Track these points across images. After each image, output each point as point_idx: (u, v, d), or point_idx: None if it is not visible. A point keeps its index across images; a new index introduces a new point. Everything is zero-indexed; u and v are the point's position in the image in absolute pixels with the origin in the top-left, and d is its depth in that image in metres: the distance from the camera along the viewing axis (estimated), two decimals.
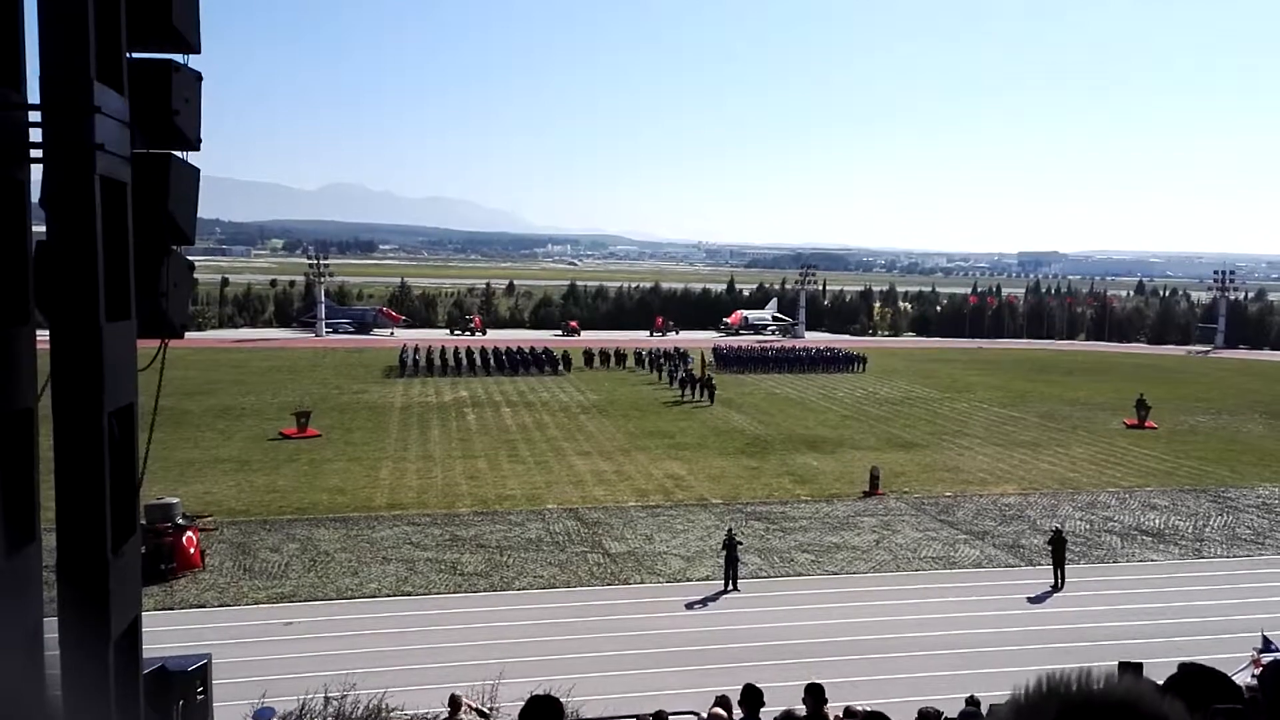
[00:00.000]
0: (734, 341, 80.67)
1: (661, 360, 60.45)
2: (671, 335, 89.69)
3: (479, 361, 61.39)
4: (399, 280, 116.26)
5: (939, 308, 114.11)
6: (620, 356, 65.02)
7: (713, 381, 50.73)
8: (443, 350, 62.93)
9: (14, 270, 4.71)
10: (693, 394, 50.16)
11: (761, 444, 38.85)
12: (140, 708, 5.40)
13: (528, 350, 63.64)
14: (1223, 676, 2.82)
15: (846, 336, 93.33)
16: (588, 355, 64.62)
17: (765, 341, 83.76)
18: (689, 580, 22.60)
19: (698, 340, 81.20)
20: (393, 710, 13.75)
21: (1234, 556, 25.19)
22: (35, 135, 4.67)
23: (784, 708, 9.86)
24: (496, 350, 63.50)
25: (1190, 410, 49.61)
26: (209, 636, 17.59)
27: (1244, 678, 12.74)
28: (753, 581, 22.51)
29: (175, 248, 5.69)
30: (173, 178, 5.46)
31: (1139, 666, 11.78)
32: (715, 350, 68.00)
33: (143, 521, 13.64)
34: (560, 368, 60.74)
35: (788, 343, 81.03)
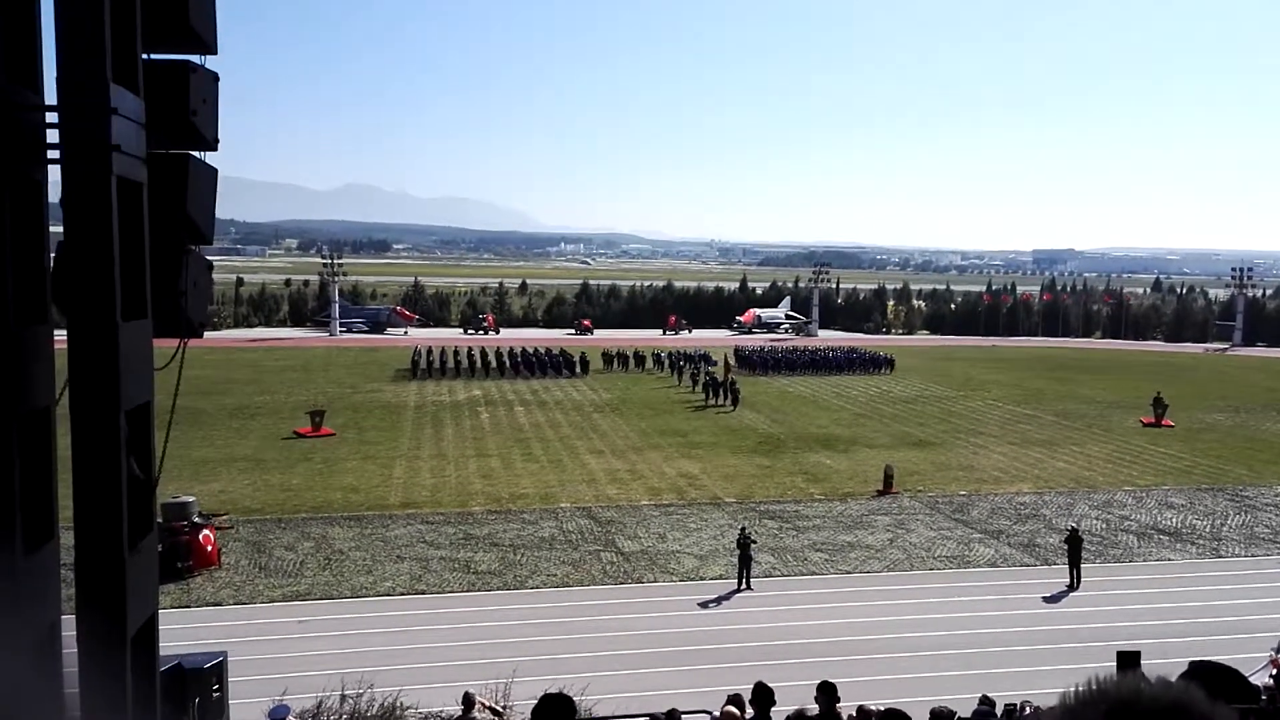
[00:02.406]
0: (756, 341, 78.94)
1: (682, 362, 58.88)
2: (684, 334, 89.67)
3: (494, 363, 59.30)
4: (413, 280, 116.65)
5: (953, 306, 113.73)
6: (639, 358, 62.90)
7: (736, 385, 49.09)
8: (456, 351, 61.44)
9: (31, 270, 4.75)
10: (716, 398, 48.73)
11: (775, 442, 38.79)
12: (157, 705, 5.43)
13: (544, 352, 61.96)
14: (1235, 674, 2.79)
15: (861, 335, 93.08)
16: (606, 357, 63.01)
17: (779, 340, 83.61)
18: (702, 579, 22.59)
19: (711, 339, 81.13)
20: (407, 708, 13.81)
21: (1252, 556, 24.99)
22: (52, 136, 4.71)
23: (797, 706, 9.85)
24: (511, 351, 61.53)
25: (1208, 408, 49.23)
26: (225, 634, 17.70)
27: (1262, 678, 12.65)
28: (766, 580, 22.49)
29: (194, 247, 5.72)
30: (191, 178, 5.50)
31: (1136, 655, 11.69)
32: (738, 352, 65.48)
33: (159, 520, 13.72)
34: (578, 370, 58.96)
35: (809, 342, 79.35)
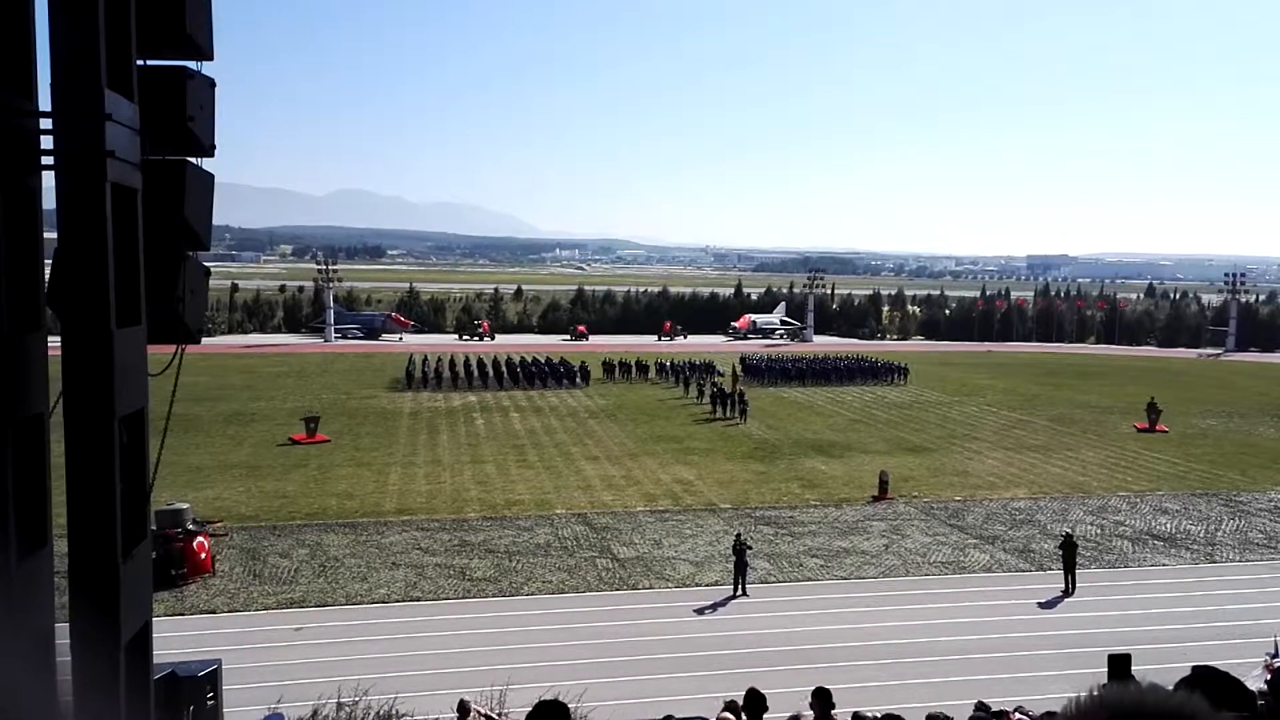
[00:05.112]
0: (761, 349, 78.18)
1: (688, 372, 57.22)
2: (680, 340, 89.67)
3: (491, 373, 57.73)
4: (408, 285, 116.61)
5: (947, 311, 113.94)
6: (642, 367, 61.01)
7: (745, 397, 46.97)
8: (453, 361, 59.87)
9: (25, 277, 4.74)
10: (724, 410, 46.68)
11: (770, 448, 38.79)
12: (151, 713, 5.41)
13: (543, 361, 60.29)
14: (1235, 681, 2.80)
15: (855, 340, 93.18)
16: (607, 366, 60.64)
17: (775, 345, 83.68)
18: (698, 585, 22.56)
19: (707, 345, 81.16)
20: (403, 716, 13.77)
21: (1246, 561, 25.04)
22: (46, 142, 4.70)
23: (792, 713, 9.84)
24: (510, 360, 59.66)
25: (1202, 414, 49.36)
26: (219, 642, 17.66)
27: (1256, 683, 12.66)
28: (762, 586, 22.48)
29: (190, 253, 5.71)
30: (188, 184, 5.49)
31: (1127, 658, 11.68)
32: (744, 361, 62.55)
33: (153, 527, 13.68)
34: (578, 380, 57.13)
35: (813, 349, 77.58)
